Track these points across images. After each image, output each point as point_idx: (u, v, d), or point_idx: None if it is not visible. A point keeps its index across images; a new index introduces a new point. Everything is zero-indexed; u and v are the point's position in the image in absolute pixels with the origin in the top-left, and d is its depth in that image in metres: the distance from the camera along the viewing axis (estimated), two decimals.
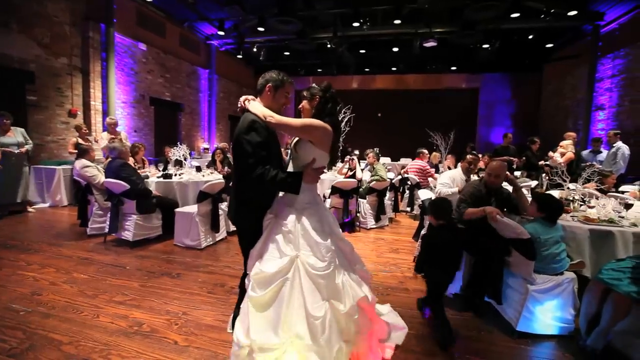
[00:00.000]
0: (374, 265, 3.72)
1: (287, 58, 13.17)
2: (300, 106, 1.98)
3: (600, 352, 2.09)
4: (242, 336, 1.66)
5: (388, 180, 5.69)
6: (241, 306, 1.78)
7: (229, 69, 13.09)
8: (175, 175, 4.99)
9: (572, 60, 10.53)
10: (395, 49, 11.70)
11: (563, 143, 5.71)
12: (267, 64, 13.22)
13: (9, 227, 4.88)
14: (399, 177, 6.86)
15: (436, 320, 2.37)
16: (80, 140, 6.14)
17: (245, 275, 1.99)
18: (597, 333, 2.12)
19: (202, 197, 4.12)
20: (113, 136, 6.23)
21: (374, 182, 5.44)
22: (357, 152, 8.33)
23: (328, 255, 1.72)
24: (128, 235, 4.13)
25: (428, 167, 6.51)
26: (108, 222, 4.19)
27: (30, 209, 5.87)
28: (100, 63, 7.73)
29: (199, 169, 5.72)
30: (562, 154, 5.49)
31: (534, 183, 5.22)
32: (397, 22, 9.11)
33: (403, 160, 10.95)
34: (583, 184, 3.37)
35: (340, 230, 2.01)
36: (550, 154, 5.76)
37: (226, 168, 6.18)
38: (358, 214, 5.47)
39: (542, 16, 8.75)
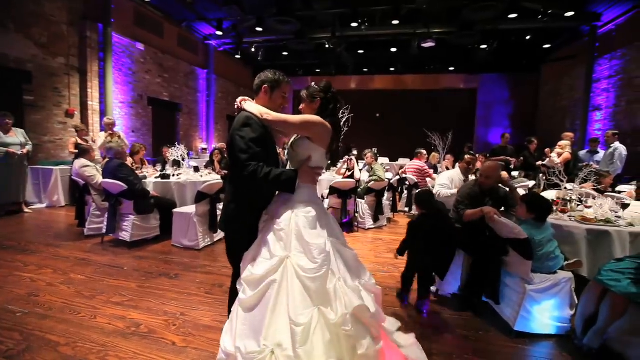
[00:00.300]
0: (372, 266, 3.72)
1: (286, 58, 13.17)
2: (300, 107, 1.94)
3: (596, 350, 2.11)
4: (230, 344, 1.57)
5: (386, 180, 5.70)
6: (231, 310, 1.70)
7: (227, 69, 13.07)
8: (173, 175, 4.99)
9: (569, 61, 10.58)
10: (394, 49, 11.72)
11: (561, 143, 5.74)
12: (266, 64, 13.21)
13: (5, 228, 4.85)
14: (397, 177, 6.87)
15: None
16: (79, 140, 6.13)
17: (234, 275, 1.90)
18: (593, 332, 2.13)
19: (200, 197, 4.11)
20: (111, 132, 6.23)
21: (372, 182, 5.44)
22: (355, 152, 8.34)
23: (320, 257, 1.58)
24: (126, 235, 4.12)
25: (426, 167, 6.53)
26: (106, 223, 4.17)
27: (27, 210, 5.84)
28: (98, 63, 7.70)
29: (197, 169, 5.71)
30: (559, 154, 5.51)
31: (531, 183, 5.24)
32: (396, 22, 9.14)
33: (401, 161, 10.97)
34: (580, 184, 3.39)
35: (344, 239, 1.88)
36: (547, 150, 5.78)
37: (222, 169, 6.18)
38: (356, 214, 5.47)
39: (540, 17, 8.80)
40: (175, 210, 4.32)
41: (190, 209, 4.22)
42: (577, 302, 2.38)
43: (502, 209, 2.99)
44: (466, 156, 4.04)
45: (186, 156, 5.66)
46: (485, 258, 2.63)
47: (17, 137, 5.55)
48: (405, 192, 6.78)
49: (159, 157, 6.97)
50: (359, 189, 5.51)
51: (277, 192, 1.90)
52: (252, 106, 1.82)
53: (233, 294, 1.83)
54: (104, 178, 4.14)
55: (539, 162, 6.02)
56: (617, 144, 6.25)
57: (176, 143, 5.94)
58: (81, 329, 2.35)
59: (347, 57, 11.84)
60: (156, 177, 4.85)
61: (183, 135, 10.95)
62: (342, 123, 1.94)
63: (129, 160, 5.26)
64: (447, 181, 3.72)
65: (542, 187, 4.13)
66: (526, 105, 13.35)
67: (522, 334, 2.37)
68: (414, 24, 9.47)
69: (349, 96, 11.24)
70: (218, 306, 2.70)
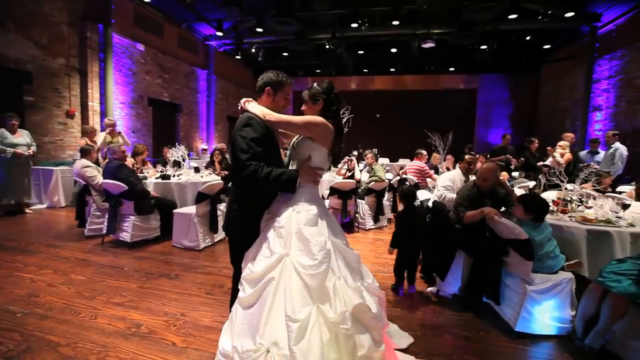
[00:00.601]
0: (372, 266, 3.72)
1: (286, 59, 13.17)
2: (302, 108, 1.94)
3: (597, 351, 2.11)
4: (228, 344, 1.56)
5: (386, 180, 5.70)
6: (231, 309, 1.70)
7: (227, 70, 13.08)
8: (174, 176, 4.98)
9: (569, 61, 10.59)
10: (394, 50, 11.73)
11: (561, 143, 5.73)
12: (266, 65, 13.21)
13: (6, 228, 4.85)
14: (398, 177, 6.86)
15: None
16: (89, 142, 6.12)
17: (235, 275, 1.91)
18: (595, 332, 2.13)
19: (200, 198, 4.11)
20: (111, 129, 6.24)
21: (373, 182, 5.44)
22: (355, 152, 8.34)
23: (320, 254, 1.56)
24: (126, 236, 4.12)
25: (426, 167, 6.51)
26: (106, 223, 4.17)
27: (27, 210, 5.85)
28: (98, 63, 7.71)
29: (197, 169, 5.70)
30: (562, 155, 5.50)
31: (531, 183, 5.24)
32: (396, 23, 9.15)
33: (401, 161, 10.97)
34: (580, 185, 3.38)
35: (345, 237, 1.88)
36: (550, 149, 5.76)
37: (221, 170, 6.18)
38: (357, 215, 5.47)
39: (540, 17, 8.80)
40: (175, 210, 4.32)
41: (191, 209, 4.21)
42: (577, 302, 2.38)
43: (502, 209, 2.99)
44: (466, 156, 4.03)
45: (186, 157, 5.67)
46: (486, 259, 2.62)
47: (23, 137, 5.63)
48: None
49: (159, 158, 6.97)
50: (359, 190, 5.51)
51: (279, 192, 1.90)
52: (255, 107, 1.84)
53: (234, 295, 1.84)
54: (104, 178, 4.14)
55: (540, 163, 6.01)
56: (617, 145, 6.25)
57: (176, 144, 5.94)
58: (81, 329, 2.35)
59: (347, 58, 11.84)
60: (157, 178, 4.85)
61: (183, 136, 10.96)
62: (343, 123, 1.92)
63: (131, 161, 5.27)
64: (449, 182, 3.71)
65: (542, 188, 4.13)
66: (526, 105, 13.35)
67: (522, 335, 2.37)
68: (414, 25, 9.47)
69: (349, 97, 11.15)
70: (218, 307, 2.70)
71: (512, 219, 2.60)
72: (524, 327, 2.37)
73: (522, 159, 7.03)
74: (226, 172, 5.74)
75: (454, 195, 3.76)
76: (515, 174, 6.59)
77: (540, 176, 4.59)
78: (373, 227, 5.46)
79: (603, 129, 8.70)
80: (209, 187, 4.15)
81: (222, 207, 4.69)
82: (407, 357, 2.04)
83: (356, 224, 5.43)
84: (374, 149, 6.20)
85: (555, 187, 3.75)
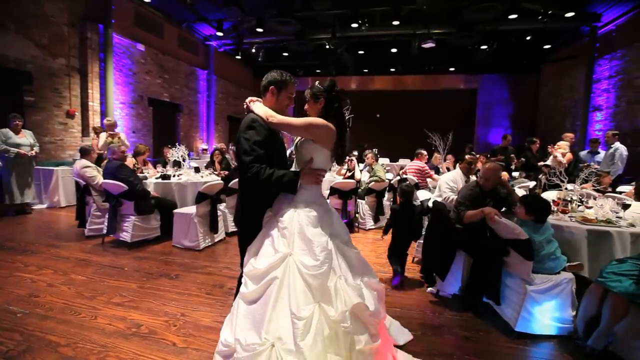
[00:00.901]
0: (372, 266, 3.70)
1: (286, 59, 13.17)
2: (305, 108, 1.95)
3: (599, 352, 2.10)
4: (230, 336, 1.63)
5: (387, 180, 5.70)
6: (233, 304, 1.75)
7: (227, 70, 13.08)
8: (174, 176, 4.98)
9: (569, 61, 10.58)
10: (394, 50, 11.73)
11: (561, 144, 5.73)
12: (266, 65, 13.20)
13: (6, 228, 4.86)
14: (398, 177, 6.86)
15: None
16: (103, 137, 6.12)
17: (242, 275, 1.97)
18: (597, 333, 2.12)
19: (200, 198, 4.11)
20: (111, 132, 6.24)
21: (373, 182, 5.44)
22: (356, 152, 8.34)
23: (322, 255, 1.63)
24: (126, 236, 4.12)
25: (427, 167, 6.51)
26: (106, 223, 4.17)
27: (27, 210, 5.85)
28: (99, 64, 7.71)
29: (197, 169, 5.70)
30: (563, 154, 5.50)
31: (532, 184, 5.24)
32: (396, 23, 9.14)
33: (402, 161, 10.96)
34: (581, 185, 3.38)
35: (349, 236, 1.92)
36: (551, 149, 5.76)
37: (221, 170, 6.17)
38: (357, 215, 5.47)
39: (540, 17, 8.79)
40: (175, 210, 4.32)
41: (191, 209, 4.21)
42: (577, 303, 2.38)
43: (503, 209, 2.98)
44: (467, 156, 4.03)
45: (187, 157, 5.67)
46: (486, 258, 2.62)
47: (26, 138, 5.66)
48: None
49: (159, 158, 6.97)
50: (360, 190, 5.51)
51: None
52: (259, 108, 1.87)
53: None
54: (104, 179, 4.14)
55: (541, 162, 6.01)
56: (617, 145, 6.24)
57: (177, 144, 5.94)
58: (82, 329, 2.35)
59: (347, 58, 11.84)
60: (157, 178, 4.85)
61: (183, 136, 10.96)
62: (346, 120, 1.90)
63: (132, 161, 5.27)
64: (452, 184, 3.70)
65: (542, 188, 4.12)
66: (526, 105, 13.35)
67: (523, 335, 2.37)
68: (414, 25, 9.47)
69: (349, 97, 11.03)
70: (218, 307, 2.70)
71: (512, 219, 2.60)
72: (524, 327, 2.37)
73: (523, 159, 7.03)
74: (226, 172, 5.74)
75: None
76: (515, 174, 6.59)
77: (540, 176, 4.59)
78: (373, 227, 5.46)
79: (603, 129, 8.70)
80: (209, 187, 4.15)
81: (222, 207, 4.69)
82: (405, 354, 2.05)
83: (356, 224, 5.43)
84: (374, 149, 6.20)
85: (556, 187, 3.74)
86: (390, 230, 3.39)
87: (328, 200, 5.06)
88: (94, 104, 7.70)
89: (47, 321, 2.45)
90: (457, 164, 4.45)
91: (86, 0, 7.43)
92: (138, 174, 4.70)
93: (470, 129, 14.12)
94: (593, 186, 3.92)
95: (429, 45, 9.67)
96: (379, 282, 1.91)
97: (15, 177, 5.52)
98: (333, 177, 5.87)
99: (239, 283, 1.96)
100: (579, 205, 3.15)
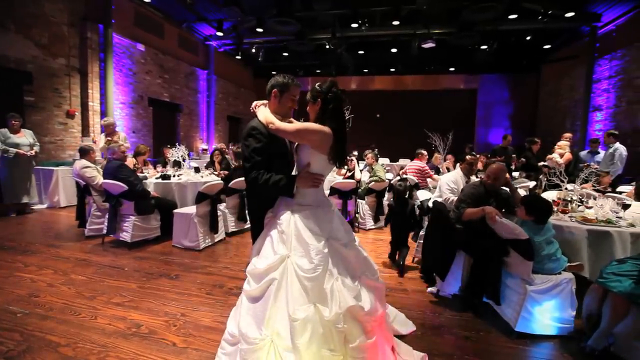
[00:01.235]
0: None
1: (286, 59, 13.18)
2: (307, 109, 1.96)
3: (599, 352, 2.10)
4: (234, 327, 1.77)
5: (387, 180, 5.70)
6: (239, 298, 1.85)
7: (227, 70, 13.09)
8: (174, 176, 4.98)
9: (569, 61, 10.59)
10: (394, 50, 11.73)
11: (560, 144, 5.73)
12: (266, 65, 13.25)
13: (6, 229, 4.86)
14: (398, 177, 6.85)
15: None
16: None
17: None
18: (598, 334, 2.12)
19: (200, 198, 4.11)
20: (111, 132, 6.22)
21: (373, 182, 5.44)
22: (356, 152, 8.34)
23: (317, 258, 1.68)
24: (126, 236, 4.12)
25: (427, 168, 6.51)
26: (106, 224, 4.17)
27: (27, 210, 5.85)
28: (99, 64, 7.71)
29: (197, 169, 5.70)
30: (561, 155, 5.50)
31: (532, 184, 5.24)
32: (396, 23, 9.14)
33: (402, 161, 10.96)
34: (581, 185, 3.38)
35: (350, 236, 1.91)
36: (550, 156, 5.77)
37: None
38: (357, 215, 5.47)
39: (540, 17, 8.78)
40: (175, 210, 4.32)
41: (191, 209, 4.21)
42: (577, 303, 2.38)
43: (504, 210, 2.98)
44: (467, 157, 4.03)
45: (187, 157, 5.67)
46: (486, 258, 2.62)
47: (26, 137, 5.64)
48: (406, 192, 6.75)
49: (159, 158, 6.97)
50: (360, 190, 5.51)
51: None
52: (262, 113, 1.92)
53: None
54: (104, 179, 4.14)
55: (541, 163, 6.01)
56: (617, 145, 6.24)
57: (177, 144, 5.94)
58: (82, 329, 2.35)
59: (347, 58, 11.84)
60: (157, 178, 4.85)
61: (183, 136, 10.96)
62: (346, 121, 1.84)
63: (133, 161, 5.27)
64: (453, 185, 3.70)
65: (542, 188, 4.12)
66: (526, 105, 13.35)
67: (523, 335, 2.37)
68: (414, 25, 9.47)
69: (349, 97, 11.01)
70: (219, 307, 2.70)
71: (513, 219, 2.60)
72: (524, 327, 2.37)
73: (523, 159, 7.02)
74: (226, 172, 5.74)
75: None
76: (515, 174, 6.59)
77: (540, 176, 4.59)
78: (373, 227, 5.46)
79: (603, 129, 8.69)
80: (209, 187, 4.15)
81: (222, 207, 4.69)
82: (406, 346, 2.10)
83: (356, 224, 5.43)
84: (375, 149, 6.20)
85: (556, 187, 3.75)
86: (390, 225, 3.89)
87: None
88: (94, 104, 7.69)
89: (47, 321, 2.45)
90: (458, 165, 4.44)
91: (86, 0, 7.43)
92: (138, 174, 4.70)
93: (470, 129, 14.13)
94: (593, 186, 3.92)
95: (429, 45, 9.67)
96: (379, 280, 1.94)
97: (15, 177, 5.52)
98: (333, 177, 5.86)
99: None
100: (579, 205, 3.15)
